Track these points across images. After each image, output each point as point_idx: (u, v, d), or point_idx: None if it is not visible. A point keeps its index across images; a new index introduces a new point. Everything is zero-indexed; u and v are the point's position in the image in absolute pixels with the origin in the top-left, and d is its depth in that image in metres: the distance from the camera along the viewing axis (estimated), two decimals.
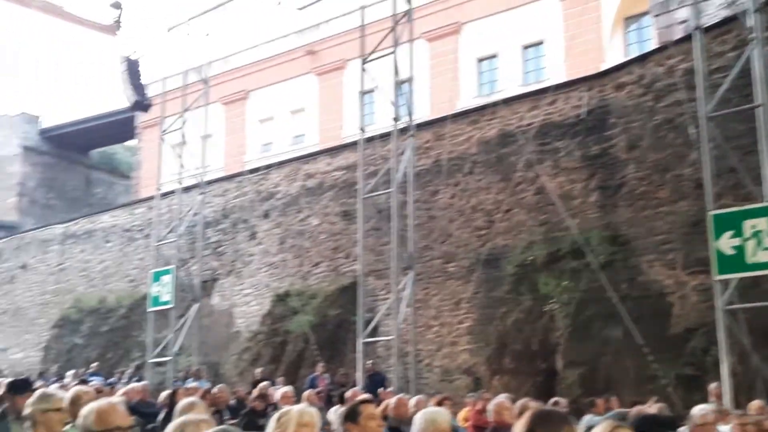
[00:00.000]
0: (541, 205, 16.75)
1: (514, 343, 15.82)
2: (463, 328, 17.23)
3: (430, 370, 17.33)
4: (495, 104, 18.49)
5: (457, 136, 18.81)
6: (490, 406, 7.10)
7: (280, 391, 10.61)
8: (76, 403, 4.37)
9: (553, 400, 10.54)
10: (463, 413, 11.62)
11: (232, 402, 11.79)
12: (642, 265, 14.94)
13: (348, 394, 11.14)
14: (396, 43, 16.04)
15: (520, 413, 6.44)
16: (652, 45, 19.19)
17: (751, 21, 11.81)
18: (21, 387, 6.01)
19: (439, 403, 9.28)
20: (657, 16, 18.17)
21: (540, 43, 24.66)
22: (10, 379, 7.08)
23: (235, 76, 32.01)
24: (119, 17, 20.48)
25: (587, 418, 9.48)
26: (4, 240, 34.07)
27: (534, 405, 6.75)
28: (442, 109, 22.16)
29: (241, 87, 32.02)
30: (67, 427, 4.25)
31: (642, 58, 16.66)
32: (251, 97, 32.10)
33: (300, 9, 21.80)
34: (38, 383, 12.68)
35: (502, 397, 7.48)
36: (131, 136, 38.94)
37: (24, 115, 42.65)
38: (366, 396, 6.26)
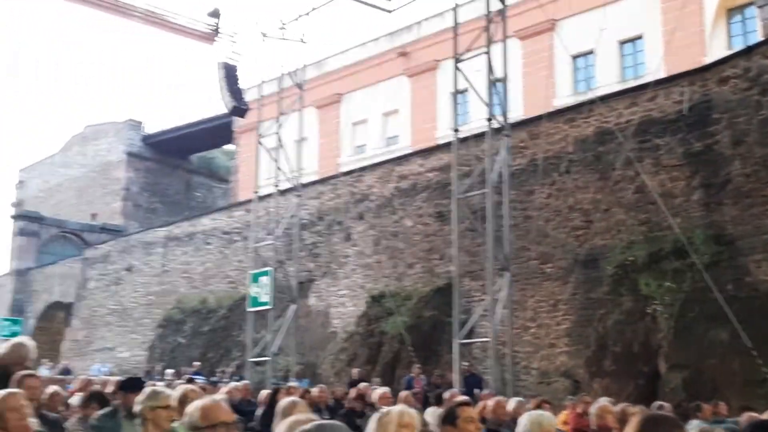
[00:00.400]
0: (641, 204, 16.32)
1: (615, 345, 15.44)
2: (561, 329, 16.95)
3: (527, 372, 17.11)
4: (592, 102, 18.10)
5: (553, 135, 18.53)
6: (592, 410, 6.94)
7: (377, 391, 10.66)
8: (184, 401, 4.50)
9: (656, 404, 10.22)
10: (562, 416, 11.41)
11: (330, 402, 11.93)
12: (749, 265, 14.36)
13: (445, 395, 11.11)
14: (489, 42, 15.91)
15: (620, 418, 6.30)
16: (757, 37, 18.41)
17: None
18: (132, 385, 6.23)
19: (538, 406, 9.15)
20: (761, 6, 17.44)
21: (638, 37, 24.04)
22: (121, 378, 7.36)
23: (329, 80, 32.42)
24: (217, 25, 20.98)
25: (695, 423, 9.17)
26: (110, 243, 35.49)
27: (634, 409, 6.56)
28: (536, 108, 21.86)
29: (335, 90, 32.40)
30: (175, 423, 4.38)
31: (747, 51, 16.02)
32: (344, 101, 32.44)
33: (391, 11, 21.84)
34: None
35: (605, 401, 7.31)
36: (229, 141, 39.97)
37: (129, 122, 44.36)
38: (464, 398, 6.22)
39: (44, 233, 40.41)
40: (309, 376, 19.75)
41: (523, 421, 4.42)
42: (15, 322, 37.27)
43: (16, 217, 40.81)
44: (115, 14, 19.98)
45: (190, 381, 13.65)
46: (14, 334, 35.83)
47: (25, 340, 6.58)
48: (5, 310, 38.73)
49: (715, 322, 13.69)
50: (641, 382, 14.78)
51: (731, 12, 22.11)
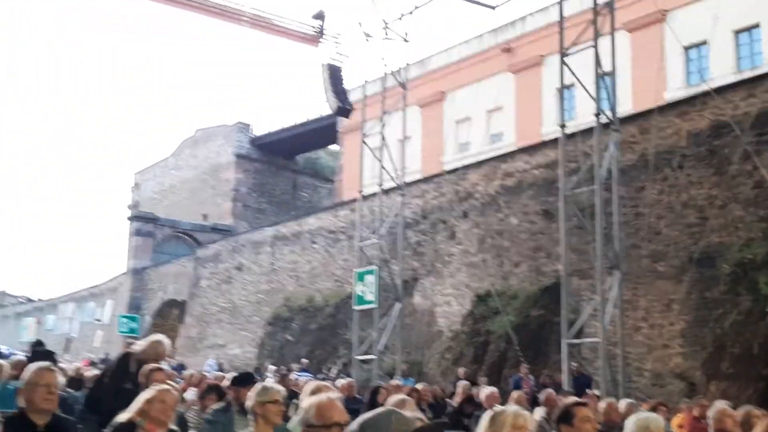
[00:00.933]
0: (761, 199, 15.60)
1: (733, 347, 14.82)
2: (675, 330, 16.38)
3: (639, 373, 16.63)
4: (706, 94, 17.42)
5: (665, 129, 17.93)
6: (710, 413, 6.66)
7: (485, 391, 10.57)
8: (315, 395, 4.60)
9: None
10: (677, 420, 11.04)
11: (438, 401, 11.91)
12: None
13: (541, 396, 10.90)
14: (596, 36, 15.53)
15: (744, 421, 6.01)
16: None
17: None
18: (244, 380, 6.39)
19: (653, 409, 8.87)
20: None
21: (755, 26, 23.00)
22: (235, 373, 7.56)
23: (432, 78, 32.41)
24: (322, 27, 21.29)
25: None
26: (221, 242, 36.56)
27: (758, 413, 6.25)
28: (646, 102, 21.21)
29: (438, 89, 32.37)
30: (294, 420, 4.45)
31: None
32: (448, 98, 32.37)
33: (495, 8, 21.63)
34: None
35: (723, 404, 7.01)
36: (333, 141, 40.55)
37: (238, 125, 45.63)
38: (577, 399, 6.08)
39: (159, 233, 42.00)
40: (414, 374, 19.79)
41: (630, 423, 4.27)
42: (132, 319, 38.96)
43: (132, 219, 42.59)
44: (224, 19, 20.55)
45: (283, 378, 13.89)
46: (132, 331, 37.46)
47: (162, 338, 6.88)
48: (124, 307, 40.48)
49: None
50: (762, 385, 14.12)
51: None
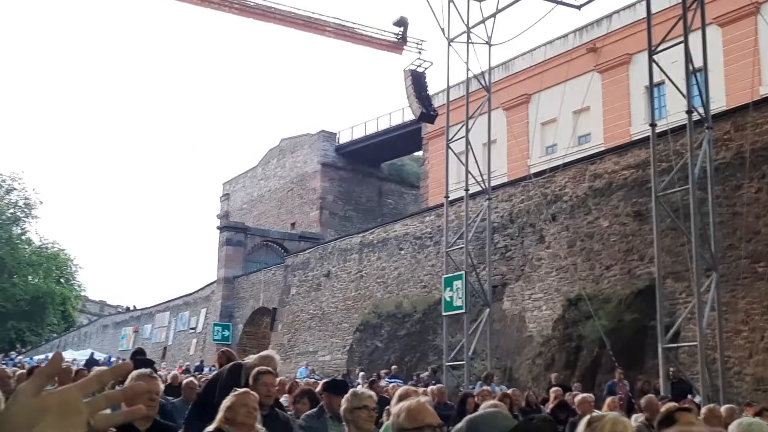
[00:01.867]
0: None
1: None
2: None
3: (740, 378, 16.04)
4: None
5: (762, 125, 17.29)
6: None
7: (578, 396, 10.41)
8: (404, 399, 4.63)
9: None
10: None
11: (525, 407, 11.78)
12: None
13: (642, 401, 10.63)
14: (686, 31, 15.13)
15: None
16: None
17: None
18: (336, 386, 6.45)
19: (758, 414, 8.54)
20: None
21: None
22: (327, 379, 7.65)
23: (516, 81, 32.14)
24: (404, 34, 21.40)
25: None
26: (309, 250, 37.05)
27: None
28: (740, 97, 20.54)
29: (522, 91, 32.07)
30: (386, 425, 4.49)
31: None
32: (532, 101, 32.02)
33: (580, 7, 21.32)
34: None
35: None
36: (418, 148, 40.61)
37: (322, 134, 46.20)
38: (680, 404, 5.93)
39: (249, 243, 42.84)
40: (505, 379, 19.61)
41: (733, 428, 4.14)
42: (225, 327, 39.91)
43: (222, 228, 43.60)
44: (310, 31, 20.89)
45: (373, 384, 13.96)
46: (225, 339, 38.34)
47: (273, 353, 7.07)
48: (216, 315, 41.46)
49: None
50: None
51: None
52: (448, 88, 22.57)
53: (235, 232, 42.70)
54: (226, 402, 4.81)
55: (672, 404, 5.07)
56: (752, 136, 17.37)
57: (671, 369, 14.79)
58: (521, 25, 32.28)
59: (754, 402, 12.53)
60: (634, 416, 10.40)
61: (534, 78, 31.67)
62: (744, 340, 16.30)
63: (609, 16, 29.06)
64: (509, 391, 11.49)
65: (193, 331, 44.81)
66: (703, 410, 7.71)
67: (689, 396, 12.49)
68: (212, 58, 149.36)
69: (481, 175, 21.36)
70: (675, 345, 15.05)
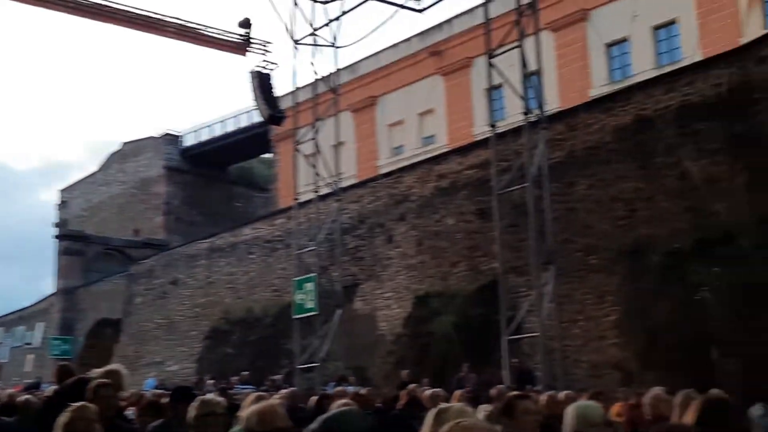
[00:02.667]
0: (685, 190, 16.09)
1: (665, 335, 15.24)
2: (610, 321, 16.76)
3: (577, 365, 16.95)
4: (629, 89, 17.93)
5: (591, 125, 18.36)
6: (646, 400, 6.85)
7: (427, 392, 10.64)
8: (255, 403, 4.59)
9: (714, 391, 10.06)
10: (615, 408, 11.28)
11: (379, 404, 11.91)
12: None
13: (493, 392, 11.04)
14: (521, 36, 15.83)
15: (683, 405, 6.19)
16: None
17: None
18: (183, 395, 6.30)
19: (592, 398, 9.05)
20: None
21: (672, 22, 23.74)
22: (173, 388, 7.45)
23: (363, 83, 32.52)
24: (248, 35, 21.16)
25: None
26: (154, 258, 35.93)
27: (696, 396, 6.45)
28: (572, 99, 21.70)
29: (369, 93, 32.48)
30: (236, 428, 4.44)
31: None
32: (379, 103, 32.52)
33: (421, 11, 21.84)
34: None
35: (658, 390, 7.20)
36: (267, 150, 40.29)
37: (166, 137, 44.89)
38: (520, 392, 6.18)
39: (89, 252, 41.04)
40: (359, 380, 19.78)
41: (570, 411, 4.36)
42: (65, 341, 37.99)
43: (60, 237, 41.51)
44: (150, 32, 20.26)
45: (224, 392, 13.73)
46: (65, 353, 36.48)
47: (120, 367, 6.77)
48: (55, 329, 39.44)
49: (767, 306, 13.44)
50: (694, 371, 14.54)
51: None
52: (295, 89, 22.52)
53: (73, 241, 40.77)
54: (63, 417, 4.60)
55: (513, 392, 5.29)
56: (583, 136, 18.41)
57: (514, 360, 15.42)
58: (366, 28, 32.72)
59: (590, 388, 13.27)
60: (482, 407, 10.77)
61: (380, 80, 32.18)
62: (580, 329, 17.24)
63: (450, 20, 29.94)
64: (363, 391, 11.59)
65: (29, 346, 42.40)
66: (543, 397, 8.07)
67: (528, 386, 13.07)
68: (47, 59, 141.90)
69: (331, 177, 21.46)
70: (518, 337, 15.70)
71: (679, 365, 14.78)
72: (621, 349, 16.33)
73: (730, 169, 15.57)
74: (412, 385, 12.40)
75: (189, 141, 44.85)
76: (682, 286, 15.28)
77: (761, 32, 18.37)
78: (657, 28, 24.04)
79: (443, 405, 3.77)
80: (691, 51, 21.55)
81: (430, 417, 3.63)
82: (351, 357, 21.37)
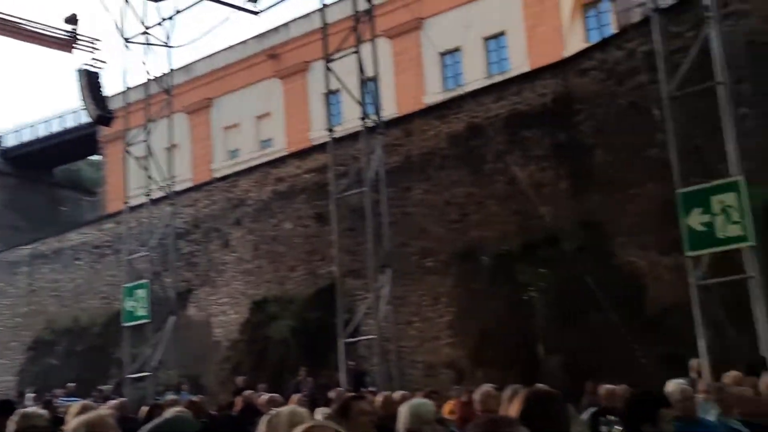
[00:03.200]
0: (514, 195, 16.81)
1: (495, 334, 15.85)
2: (444, 322, 17.25)
3: (413, 366, 17.32)
4: (461, 98, 18.52)
5: (426, 132, 18.84)
6: (476, 396, 7.06)
7: (263, 397, 10.51)
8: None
9: (536, 386, 10.54)
10: (448, 406, 11.59)
11: (214, 412, 11.65)
12: (615, 249, 15.05)
13: (332, 394, 11.08)
14: (358, 42, 15.99)
15: (510, 399, 6.43)
16: (612, 30, 19.33)
17: (706, 0, 11.92)
18: (2, 408, 5.92)
19: (426, 397, 9.24)
20: (614, 0, 18.32)
21: (501, 34, 24.77)
22: None
23: (198, 85, 31.78)
24: (75, 32, 20.16)
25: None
26: None
27: (523, 390, 6.72)
28: (409, 106, 22.18)
29: (204, 95, 31.79)
30: None
31: (602, 44, 16.81)
32: (215, 105, 31.89)
33: (258, 13, 21.61)
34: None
35: (488, 387, 7.44)
36: (95, 152, 38.53)
37: None
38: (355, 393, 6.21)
39: None
40: (193, 388, 19.26)
41: (404, 409, 4.43)
42: None
43: None
44: None
45: (48, 404, 13.01)
46: None
47: None
48: None
49: (589, 305, 14.25)
50: (522, 367, 15.22)
51: (587, 6, 23.12)
52: (126, 89, 21.64)
53: None
54: None
55: (348, 394, 5.31)
56: (419, 142, 18.86)
57: (351, 362, 15.53)
58: (202, 29, 31.96)
59: (425, 387, 13.58)
60: (319, 410, 10.75)
61: (216, 82, 31.57)
62: (416, 330, 17.62)
63: (287, 24, 29.83)
64: (196, 398, 11.28)
65: None
66: (379, 398, 8.16)
67: (364, 388, 13.21)
68: None
69: (164, 180, 20.77)
70: (355, 339, 15.81)
71: (509, 362, 15.43)
72: (454, 349, 16.84)
73: (554, 175, 16.43)
74: (247, 391, 12.23)
75: (10, 141, 42.10)
76: (511, 287, 15.95)
77: (582, 46, 19.53)
78: (488, 38, 25.01)
79: (275, 409, 3.72)
80: (519, 62, 22.58)
81: (263, 422, 3.57)
82: (185, 365, 20.78)
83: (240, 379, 17.31)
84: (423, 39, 24.69)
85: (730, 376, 8.29)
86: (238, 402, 11.23)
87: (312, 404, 12.67)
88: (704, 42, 11.79)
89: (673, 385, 5.78)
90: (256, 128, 30.75)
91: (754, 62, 13.17)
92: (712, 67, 11.62)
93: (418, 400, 5.24)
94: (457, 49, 25.32)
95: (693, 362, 11.20)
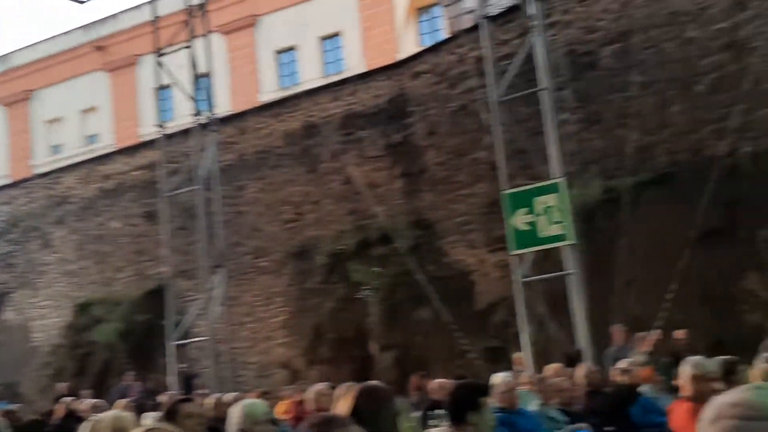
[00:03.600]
0: (349, 194, 16.97)
1: (330, 333, 15.95)
2: (278, 322, 17.15)
3: (246, 367, 17.10)
4: (297, 96, 18.50)
5: (261, 130, 18.66)
6: (309, 395, 7.07)
7: (86, 403, 10.02)
8: None
9: (373, 382, 10.68)
10: (282, 406, 11.53)
11: (33, 420, 11.00)
12: (446, 247, 15.52)
13: (162, 398, 10.73)
14: (191, 37, 15.59)
15: (343, 397, 6.47)
16: (444, 34, 19.91)
17: (531, 9, 12.52)
18: None
19: (259, 397, 9.14)
20: (447, 6, 18.90)
21: (337, 34, 24.91)
22: None
23: (17, 76, 29.89)
24: None
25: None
26: None
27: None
28: (243, 103, 21.87)
29: (24, 87, 29.94)
30: None
31: (435, 48, 17.27)
32: (36, 97, 30.10)
33: (83, 2, 20.61)
34: None
35: (321, 385, 7.46)
36: None
37: None
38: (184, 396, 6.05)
39: None
40: (9, 396, 18.07)
41: (235, 410, 4.35)
42: None
43: None
44: None
45: None
46: None
47: None
48: None
49: (419, 302, 14.63)
50: (355, 365, 15.38)
51: (420, 11, 23.67)
52: None
53: None
54: None
55: (176, 397, 5.15)
56: (253, 140, 18.64)
57: (182, 365, 15.10)
58: (22, 18, 30.17)
59: (258, 388, 13.44)
60: (147, 415, 10.38)
61: (37, 74, 29.79)
62: (249, 331, 17.41)
63: (116, 15, 28.64)
64: (13, 407, 10.61)
65: None
66: (210, 400, 7.99)
67: (193, 392, 12.89)
68: None
69: None
70: (186, 341, 15.39)
71: (343, 360, 15.56)
72: (288, 349, 16.78)
73: (388, 175, 16.72)
74: (68, 398, 11.62)
75: None
76: (345, 286, 16.09)
77: (416, 49, 19.98)
78: (324, 38, 25.08)
79: (97, 416, 3.55)
80: (355, 63, 22.81)
81: (83, 429, 3.40)
82: (0, 371, 19.49)
83: (61, 386, 16.41)
84: (258, 36, 24.44)
85: (551, 368, 8.76)
86: (59, 409, 10.65)
87: (139, 409, 12.24)
88: (529, 49, 12.38)
89: (497, 378, 6.06)
90: (81, 123, 29.28)
91: (575, 70, 13.96)
92: (536, 74, 12.22)
93: (250, 401, 5.16)
94: (292, 48, 25.23)
95: (516, 356, 11.73)
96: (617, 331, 10.81)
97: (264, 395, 10.03)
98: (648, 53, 13.48)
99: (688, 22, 13.24)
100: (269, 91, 24.50)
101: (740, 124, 12.16)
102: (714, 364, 5.44)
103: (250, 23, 25.10)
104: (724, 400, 1.40)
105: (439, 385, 8.68)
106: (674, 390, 6.06)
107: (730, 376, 5.66)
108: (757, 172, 12.15)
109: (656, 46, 13.47)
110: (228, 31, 25.33)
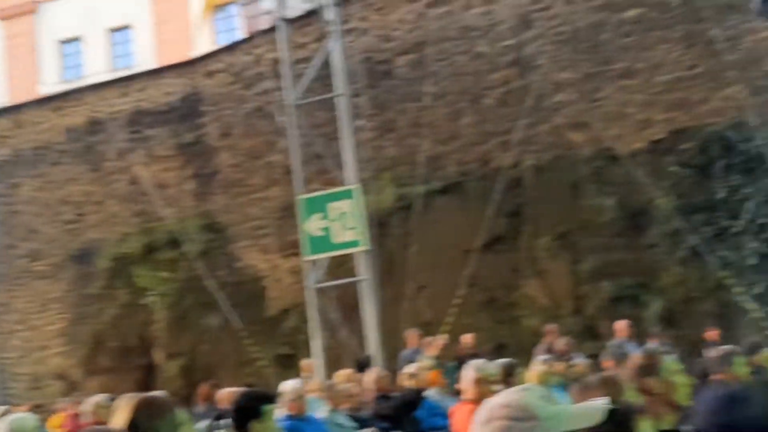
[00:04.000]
0: (135, 195, 16.20)
1: (111, 341, 15.15)
2: (54, 330, 16.05)
3: (16, 379, 15.85)
4: (81, 90, 17.45)
5: (40, 124, 17.42)
6: (86, 408, 6.62)
7: None
8: None
9: (153, 393, 10.19)
10: (55, 420, 10.75)
11: None
12: (238, 252, 15.20)
13: None
14: None
15: (118, 409, 6.07)
16: (241, 34, 19.56)
17: (329, 14, 12.54)
18: None
19: (30, 411, 8.43)
20: (244, 5, 18.58)
21: (127, 27, 23.78)
22: None
23: None
24: None
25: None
26: None
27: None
28: (22, 95, 20.37)
29: None
30: None
31: (231, 47, 16.92)
32: None
33: None
34: None
35: (99, 397, 7.00)
36: None
37: None
38: None
39: None
40: None
41: (1, 426, 3.98)
42: None
43: None
44: None
45: None
46: None
47: None
48: None
49: (209, 308, 14.22)
50: (139, 374, 14.71)
51: (217, 8, 23.10)
52: None
53: None
54: None
55: None
56: (31, 135, 17.37)
57: None
58: None
59: (29, 401, 12.47)
60: None
61: None
62: (21, 340, 16.18)
63: None
64: None
65: None
66: None
67: None
68: None
69: None
70: None
71: (125, 370, 14.81)
72: (65, 358, 15.76)
73: (178, 176, 16.13)
74: None
75: None
76: (129, 291, 15.35)
77: (211, 47, 19.46)
78: (113, 30, 23.83)
79: None
80: (145, 58, 21.88)
81: None
82: None
83: None
84: (39, 24, 22.84)
85: (341, 374, 8.76)
86: None
87: None
88: (327, 54, 12.39)
89: (285, 385, 5.95)
90: None
91: (371, 77, 14.15)
92: (333, 80, 12.24)
93: (18, 415, 4.80)
94: (77, 39, 23.78)
95: (304, 362, 11.64)
96: (412, 335, 11.02)
97: (36, 408, 9.27)
98: (441, 65, 13.93)
99: (478, 37, 13.83)
100: (51, 83, 22.95)
101: (523, 137, 12.86)
102: (495, 366, 5.62)
103: (30, 9, 23.41)
104: (495, 401, 1.49)
105: (227, 394, 8.40)
106: (459, 393, 6.21)
107: (509, 378, 5.90)
108: (538, 183, 12.91)
109: (449, 59, 13.95)
110: (6, 16, 23.50)
